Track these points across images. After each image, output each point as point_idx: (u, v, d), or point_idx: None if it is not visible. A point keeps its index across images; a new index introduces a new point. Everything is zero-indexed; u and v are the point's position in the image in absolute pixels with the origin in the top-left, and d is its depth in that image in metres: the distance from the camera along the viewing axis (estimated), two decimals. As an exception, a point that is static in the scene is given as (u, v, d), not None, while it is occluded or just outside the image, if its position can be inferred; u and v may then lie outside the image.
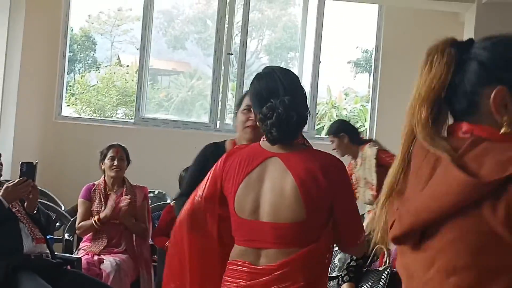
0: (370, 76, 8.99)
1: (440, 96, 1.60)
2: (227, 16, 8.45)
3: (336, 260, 5.47)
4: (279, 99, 2.76)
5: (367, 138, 7.39)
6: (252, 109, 3.66)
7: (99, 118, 9.13)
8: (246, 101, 3.71)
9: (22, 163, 4.91)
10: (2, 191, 4.78)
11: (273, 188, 2.71)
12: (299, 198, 2.66)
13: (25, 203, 4.98)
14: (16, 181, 4.83)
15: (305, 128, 3.42)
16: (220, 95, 8.44)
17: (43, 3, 8.25)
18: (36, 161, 5.03)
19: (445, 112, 1.64)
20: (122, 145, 6.05)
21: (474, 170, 1.47)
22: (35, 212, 5.00)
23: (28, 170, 4.89)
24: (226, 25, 8.46)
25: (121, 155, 5.94)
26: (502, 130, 1.54)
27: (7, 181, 5.09)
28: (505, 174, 1.43)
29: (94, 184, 5.91)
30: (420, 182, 1.57)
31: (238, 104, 3.80)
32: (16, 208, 4.93)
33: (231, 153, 2.93)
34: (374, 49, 8.85)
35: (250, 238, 2.75)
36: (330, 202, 2.71)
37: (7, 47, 7.55)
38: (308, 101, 2.97)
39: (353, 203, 2.87)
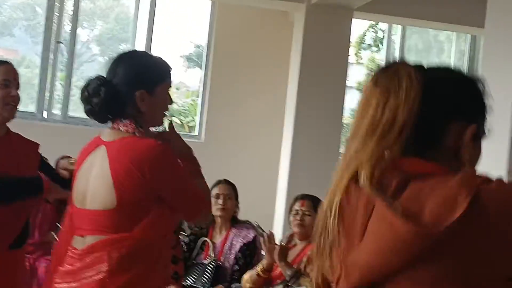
0: (201, 71, 9.04)
1: (408, 126, 1.43)
2: (57, 3, 8.25)
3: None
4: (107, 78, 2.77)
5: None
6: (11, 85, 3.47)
7: None
8: (3, 74, 3.44)
9: None
10: None
11: (96, 177, 2.70)
12: (112, 186, 2.63)
13: None
14: None
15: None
16: (48, 85, 8.23)
17: None
18: None
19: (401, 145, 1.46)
20: None
21: (416, 214, 1.35)
22: None
23: None
24: (56, 13, 8.26)
25: None
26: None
27: None
28: (454, 218, 1.32)
29: None
30: (356, 231, 1.43)
31: None
32: None
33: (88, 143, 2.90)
34: (206, 45, 8.92)
35: (78, 226, 2.77)
36: (151, 192, 2.67)
37: None
38: None
39: (182, 183, 2.76)
